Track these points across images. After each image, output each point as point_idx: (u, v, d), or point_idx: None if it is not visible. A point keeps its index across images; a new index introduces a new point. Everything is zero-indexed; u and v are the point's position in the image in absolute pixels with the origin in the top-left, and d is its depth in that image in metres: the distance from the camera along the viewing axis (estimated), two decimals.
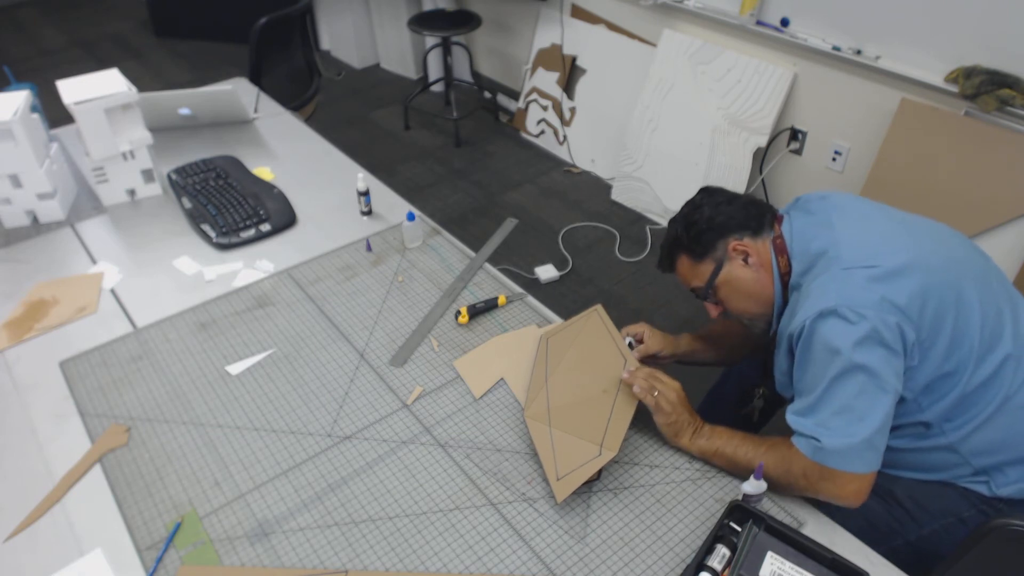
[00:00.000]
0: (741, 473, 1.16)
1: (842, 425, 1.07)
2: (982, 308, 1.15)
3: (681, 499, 1.15)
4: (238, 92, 2.09)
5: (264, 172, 1.94)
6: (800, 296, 1.18)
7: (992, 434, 1.16)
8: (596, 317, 1.37)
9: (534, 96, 3.67)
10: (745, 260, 1.26)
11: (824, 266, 1.16)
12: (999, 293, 1.21)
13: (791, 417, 1.14)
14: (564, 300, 2.76)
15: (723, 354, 1.51)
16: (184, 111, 2.06)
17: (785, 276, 1.24)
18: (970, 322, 1.13)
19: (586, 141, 3.50)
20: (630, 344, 1.40)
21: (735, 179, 2.83)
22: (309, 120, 2.73)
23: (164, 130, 2.09)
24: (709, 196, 1.33)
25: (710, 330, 1.52)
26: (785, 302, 1.25)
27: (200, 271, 1.62)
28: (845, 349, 1.06)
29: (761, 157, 2.83)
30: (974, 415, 1.15)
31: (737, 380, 1.67)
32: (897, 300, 1.08)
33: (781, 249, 1.25)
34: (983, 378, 1.14)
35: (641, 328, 1.42)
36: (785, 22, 2.58)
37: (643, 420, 1.23)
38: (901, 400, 1.13)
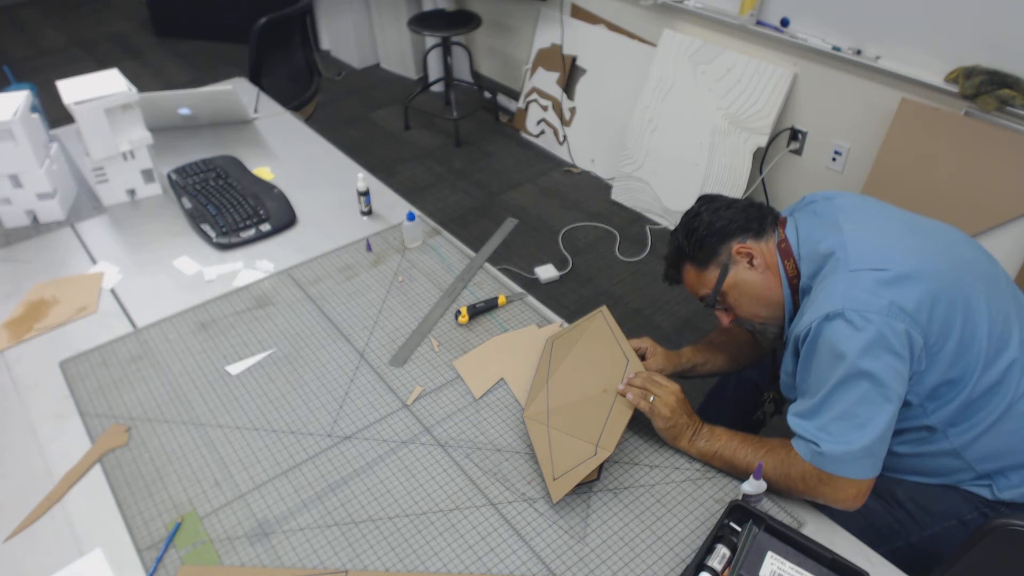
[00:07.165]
0: (740, 475, 1.16)
1: (842, 431, 1.06)
2: (990, 313, 1.14)
3: (681, 499, 1.15)
4: (238, 92, 2.09)
5: (264, 172, 1.94)
6: (809, 298, 1.17)
7: (996, 439, 1.15)
8: (600, 318, 1.37)
9: (534, 96, 3.67)
10: (750, 262, 1.26)
11: (832, 267, 1.15)
12: (1007, 297, 1.19)
13: (792, 419, 1.13)
14: (564, 300, 2.76)
15: (725, 363, 1.48)
16: (184, 111, 2.06)
17: (793, 280, 1.23)
18: (978, 327, 1.12)
19: (586, 141, 3.50)
20: None
21: (735, 179, 2.83)
22: (309, 120, 2.73)
23: (164, 130, 2.09)
24: (708, 203, 1.32)
25: (711, 339, 1.51)
26: (796, 307, 1.24)
27: (200, 271, 1.62)
28: (850, 354, 1.05)
29: (761, 157, 2.83)
30: (979, 420, 1.15)
31: (737, 380, 1.66)
32: (906, 305, 1.07)
33: (787, 253, 1.24)
34: (989, 383, 1.13)
35: (645, 344, 1.38)
36: (785, 22, 2.58)
37: (644, 420, 1.23)
38: (906, 404, 1.12)
